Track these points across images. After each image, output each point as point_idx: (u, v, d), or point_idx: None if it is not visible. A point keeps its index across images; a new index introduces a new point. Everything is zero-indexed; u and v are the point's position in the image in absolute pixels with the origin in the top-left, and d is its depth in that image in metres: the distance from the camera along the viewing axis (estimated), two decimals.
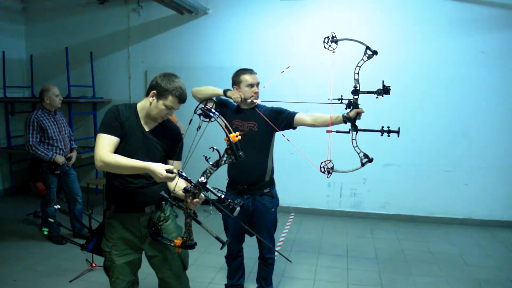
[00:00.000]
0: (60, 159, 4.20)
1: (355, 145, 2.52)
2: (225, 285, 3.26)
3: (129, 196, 2.13)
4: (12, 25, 6.48)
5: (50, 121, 4.20)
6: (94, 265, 3.71)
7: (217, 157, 1.81)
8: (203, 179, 1.81)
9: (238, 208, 1.83)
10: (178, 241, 1.96)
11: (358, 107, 2.51)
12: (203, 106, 1.87)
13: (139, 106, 2.17)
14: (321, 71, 5.30)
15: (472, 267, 3.86)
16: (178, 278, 2.31)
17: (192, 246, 1.97)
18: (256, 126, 2.80)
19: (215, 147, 1.77)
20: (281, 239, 4.55)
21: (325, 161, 2.49)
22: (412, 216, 5.22)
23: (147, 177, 2.11)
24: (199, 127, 1.82)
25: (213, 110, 1.86)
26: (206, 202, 1.95)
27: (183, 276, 2.35)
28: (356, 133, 2.55)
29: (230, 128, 1.77)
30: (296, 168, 5.25)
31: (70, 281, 3.49)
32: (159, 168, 1.88)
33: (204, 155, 1.88)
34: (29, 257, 4.01)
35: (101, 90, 6.33)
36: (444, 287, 3.45)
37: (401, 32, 5.06)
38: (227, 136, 1.74)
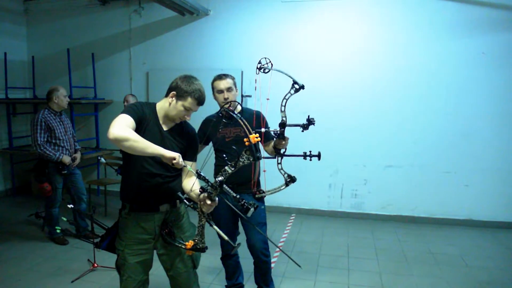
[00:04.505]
0: (67, 159, 4.23)
1: (280, 168, 2.68)
2: (226, 286, 3.28)
3: (144, 195, 2.16)
4: (14, 27, 6.51)
5: (56, 122, 4.24)
6: (96, 265, 3.72)
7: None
8: (221, 178, 1.82)
9: (252, 209, 1.85)
10: (189, 244, 1.98)
11: (283, 138, 2.56)
12: (226, 108, 1.91)
13: (158, 105, 2.20)
14: (322, 72, 5.33)
15: (473, 268, 3.86)
16: (188, 276, 2.34)
17: (203, 249, 1.98)
18: (242, 131, 2.81)
19: (234, 147, 1.79)
20: (282, 240, 4.57)
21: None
22: (413, 217, 5.23)
23: (162, 175, 2.15)
24: (221, 128, 1.84)
25: (235, 112, 1.89)
26: None
27: (193, 274, 2.38)
28: (281, 158, 2.69)
29: (250, 130, 1.79)
30: (297, 169, 5.25)
31: (72, 281, 3.50)
32: (172, 153, 1.94)
33: (223, 155, 1.89)
34: (31, 258, 4.02)
35: (103, 91, 6.35)
36: None
37: (401, 34, 5.07)
38: (247, 137, 1.75)
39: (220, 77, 2.84)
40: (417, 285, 3.51)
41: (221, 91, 2.81)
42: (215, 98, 2.88)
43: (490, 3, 4.80)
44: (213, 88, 2.87)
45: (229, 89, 2.82)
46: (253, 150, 1.75)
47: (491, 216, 5.02)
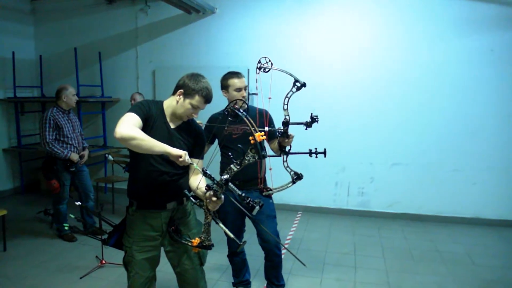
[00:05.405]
0: (75, 156, 4.28)
1: (286, 165, 2.69)
2: (233, 283, 3.30)
3: (151, 192, 2.18)
4: (21, 26, 6.56)
5: (65, 120, 4.30)
6: (104, 262, 3.76)
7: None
8: (226, 176, 1.84)
9: (257, 207, 1.86)
10: (195, 241, 1.99)
11: (287, 136, 2.55)
12: (232, 106, 1.92)
13: (166, 103, 2.22)
14: (329, 70, 5.33)
15: (480, 267, 3.85)
16: (195, 273, 2.36)
17: (209, 246, 2.00)
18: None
19: (240, 145, 1.80)
20: (288, 237, 4.58)
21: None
22: (419, 215, 5.21)
23: (169, 173, 2.17)
24: (228, 125, 1.85)
25: (241, 110, 1.91)
26: None
27: (200, 271, 2.40)
28: (287, 156, 2.69)
29: (256, 128, 1.80)
30: (303, 166, 5.26)
31: (81, 278, 3.54)
32: (179, 151, 1.95)
33: (229, 154, 1.90)
34: (39, 255, 4.07)
35: (110, 90, 6.39)
36: (451, 287, 3.45)
37: (408, 31, 5.05)
38: (252, 135, 1.76)
39: (237, 75, 2.88)
40: (423, 283, 3.50)
41: (239, 89, 2.85)
42: (229, 95, 2.89)
43: (497, 0, 4.76)
44: (227, 85, 2.87)
45: (245, 88, 2.88)
46: (259, 148, 1.76)
47: (498, 215, 5.00)
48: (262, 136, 1.76)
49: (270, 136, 2.87)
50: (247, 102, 2.91)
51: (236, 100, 2.12)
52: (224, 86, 2.90)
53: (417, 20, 5.01)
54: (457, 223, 5.05)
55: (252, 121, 1.84)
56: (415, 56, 5.05)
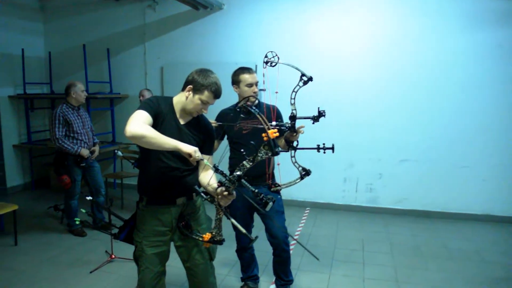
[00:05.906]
0: (85, 152, 4.32)
1: (294, 161, 2.65)
2: (241, 278, 3.31)
3: (161, 188, 2.20)
4: (30, 23, 6.61)
5: (74, 116, 4.34)
6: (113, 256, 3.79)
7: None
8: (239, 173, 1.84)
9: (270, 203, 1.87)
10: (206, 236, 2.00)
11: (295, 131, 2.53)
12: (244, 103, 1.93)
13: (175, 99, 2.22)
14: (337, 66, 5.31)
15: (489, 264, 3.82)
16: (205, 267, 2.37)
17: (221, 242, 2.00)
18: (259, 123, 2.82)
19: (252, 142, 1.80)
20: (296, 233, 4.58)
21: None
22: (428, 211, 5.19)
23: (180, 169, 2.18)
24: (240, 122, 1.85)
25: (253, 107, 1.91)
26: None
27: (210, 266, 2.41)
28: (295, 151, 2.65)
29: (268, 124, 1.80)
30: (311, 162, 5.25)
31: (90, 272, 3.58)
32: (190, 148, 1.95)
33: (241, 150, 1.91)
34: (49, 250, 4.11)
35: (118, 86, 6.42)
36: (460, 284, 3.43)
37: (415, 26, 5.00)
38: (264, 130, 1.76)
39: (249, 71, 2.88)
40: (432, 280, 3.49)
41: (250, 85, 2.85)
42: (240, 90, 2.89)
43: None
44: (238, 81, 2.87)
45: (256, 83, 2.88)
46: (272, 145, 1.76)
47: (508, 212, 4.95)
48: (275, 133, 1.76)
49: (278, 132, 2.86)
50: (257, 98, 2.91)
51: (248, 97, 2.13)
52: (235, 82, 2.90)
53: (425, 15, 4.95)
54: (466, 219, 5.02)
55: (265, 119, 1.84)
56: (424, 52, 5.01)
